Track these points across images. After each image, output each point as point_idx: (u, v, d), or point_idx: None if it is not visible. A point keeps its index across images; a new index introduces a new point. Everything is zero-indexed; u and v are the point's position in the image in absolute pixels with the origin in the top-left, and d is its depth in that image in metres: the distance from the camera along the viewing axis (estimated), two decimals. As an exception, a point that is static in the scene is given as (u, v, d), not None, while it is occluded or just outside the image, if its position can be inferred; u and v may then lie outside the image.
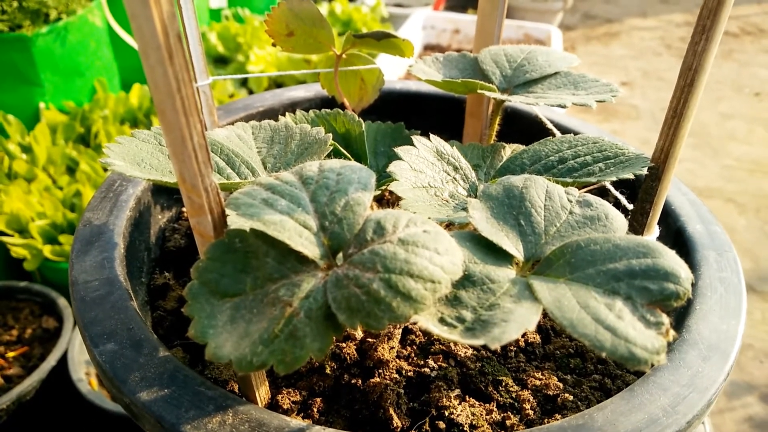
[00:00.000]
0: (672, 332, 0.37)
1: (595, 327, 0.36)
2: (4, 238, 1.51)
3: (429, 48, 2.74)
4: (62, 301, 1.51)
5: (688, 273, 0.39)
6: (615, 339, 0.36)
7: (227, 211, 0.40)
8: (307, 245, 0.39)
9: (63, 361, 1.36)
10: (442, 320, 0.39)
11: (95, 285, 0.54)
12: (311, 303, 0.38)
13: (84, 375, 1.35)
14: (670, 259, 0.39)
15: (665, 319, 0.37)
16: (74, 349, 1.38)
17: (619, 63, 3.69)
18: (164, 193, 0.72)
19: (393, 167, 0.55)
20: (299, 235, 0.40)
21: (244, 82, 2.26)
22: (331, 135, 0.58)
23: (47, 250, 1.50)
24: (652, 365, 0.35)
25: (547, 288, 0.40)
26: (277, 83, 2.25)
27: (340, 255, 0.40)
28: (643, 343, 0.36)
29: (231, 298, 0.39)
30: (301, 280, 0.39)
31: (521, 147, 0.67)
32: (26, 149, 1.73)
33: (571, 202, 0.48)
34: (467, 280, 0.41)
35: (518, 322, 0.37)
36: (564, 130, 0.79)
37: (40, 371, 1.31)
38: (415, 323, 0.47)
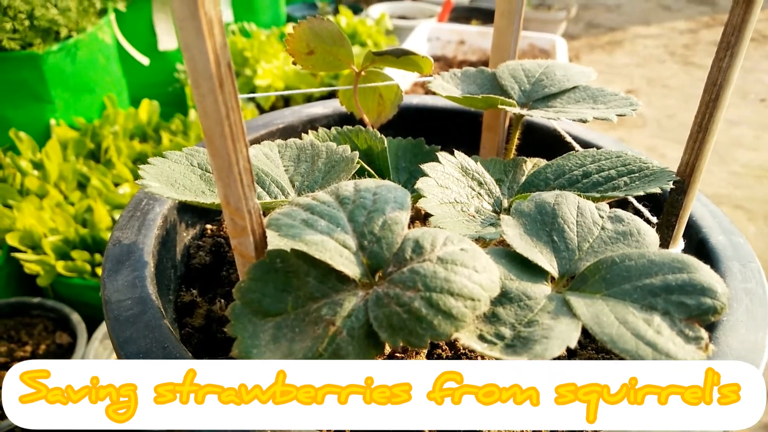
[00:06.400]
0: (711, 346, 0.37)
1: (635, 342, 0.37)
2: (18, 255, 1.51)
3: (435, 59, 2.76)
4: (75, 317, 1.51)
5: (725, 287, 0.39)
6: (656, 354, 0.36)
7: (268, 232, 0.41)
8: (348, 264, 0.40)
9: (78, 377, 1.36)
10: (481, 337, 0.40)
11: (128, 304, 0.55)
12: (353, 322, 0.39)
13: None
14: (705, 273, 0.40)
15: (704, 334, 0.38)
16: (89, 364, 1.38)
17: (624, 71, 3.70)
18: (189, 211, 0.73)
19: (420, 183, 0.55)
20: (340, 254, 0.40)
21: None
22: (357, 153, 0.59)
23: (60, 266, 1.50)
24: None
25: (584, 304, 0.40)
26: (284, 98, 2.26)
27: (380, 273, 0.41)
28: (684, 358, 0.36)
29: (273, 318, 0.40)
30: (342, 299, 0.40)
31: (542, 161, 0.67)
32: (38, 166, 1.74)
33: (602, 217, 0.48)
34: (504, 297, 0.42)
35: (560, 338, 0.37)
36: (581, 143, 0.79)
37: (56, 387, 1.31)
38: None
